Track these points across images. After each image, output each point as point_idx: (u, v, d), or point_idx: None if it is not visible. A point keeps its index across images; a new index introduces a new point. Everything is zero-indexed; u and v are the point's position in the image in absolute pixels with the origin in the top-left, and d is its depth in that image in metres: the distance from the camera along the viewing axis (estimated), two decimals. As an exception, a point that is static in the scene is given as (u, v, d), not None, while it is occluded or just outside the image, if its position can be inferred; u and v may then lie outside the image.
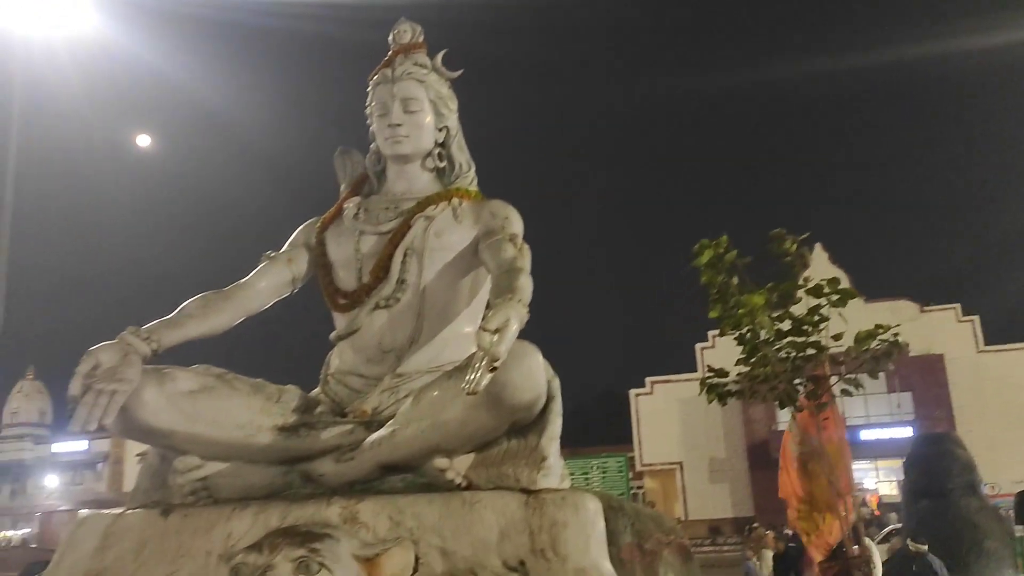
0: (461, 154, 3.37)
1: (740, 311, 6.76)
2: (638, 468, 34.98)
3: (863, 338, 6.76)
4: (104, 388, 2.43)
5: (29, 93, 17.51)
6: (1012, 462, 28.69)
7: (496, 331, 2.23)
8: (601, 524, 2.39)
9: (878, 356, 6.81)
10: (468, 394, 2.22)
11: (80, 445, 46.32)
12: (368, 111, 3.34)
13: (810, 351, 6.91)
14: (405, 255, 3.06)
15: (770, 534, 14.68)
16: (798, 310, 6.95)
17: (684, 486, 36.35)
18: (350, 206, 3.26)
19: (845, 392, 7.19)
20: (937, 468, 11.61)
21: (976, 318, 35.56)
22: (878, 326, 6.83)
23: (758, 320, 6.72)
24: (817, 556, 8.36)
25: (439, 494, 2.51)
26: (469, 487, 2.55)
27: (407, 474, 2.66)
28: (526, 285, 2.60)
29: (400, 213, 3.16)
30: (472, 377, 2.20)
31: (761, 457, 31.72)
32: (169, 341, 2.76)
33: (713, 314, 7.04)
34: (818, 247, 31.55)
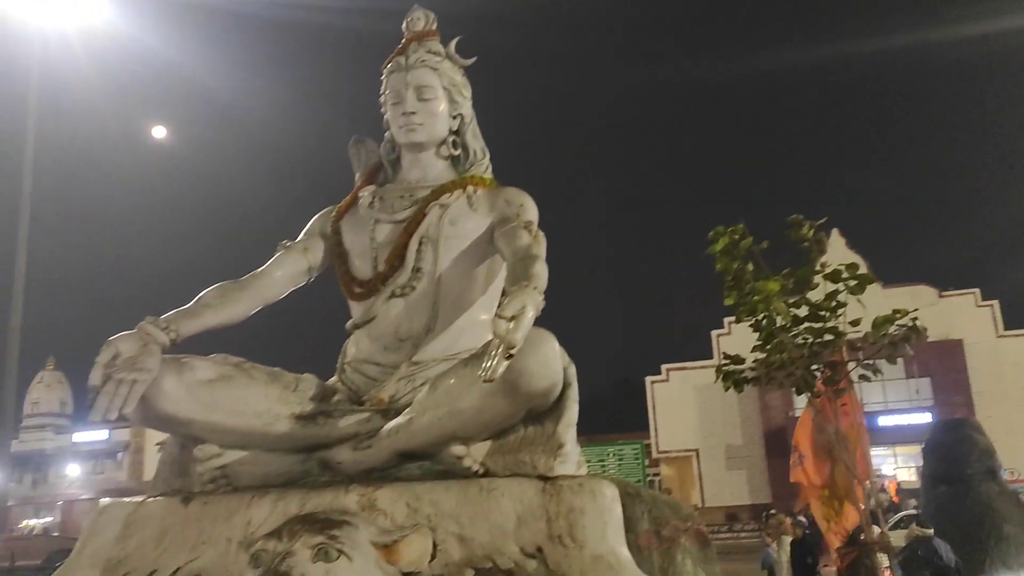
0: (476, 142, 3.36)
1: (755, 297, 6.72)
2: (654, 455, 34.97)
3: (881, 323, 6.71)
4: (124, 377, 2.45)
5: (45, 84, 17.63)
6: (1032, 447, 28.46)
7: (512, 318, 2.23)
8: (618, 510, 2.39)
9: (896, 341, 6.75)
10: (485, 381, 2.22)
11: (100, 434, 46.87)
12: (382, 99, 3.33)
13: (827, 337, 6.86)
14: (420, 243, 3.06)
15: (788, 520, 14.66)
16: (815, 296, 6.91)
17: (700, 473, 36.32)
18: (365, 195, 3.26)
19: (863, 378, 7.15)
20: (956, 454, 11.54)
21: (995, 303, 35.19)
22: (896, 311, 6.77)
23: (774, 306, 6.69)
24: (835, 542, 8.34)
25: (456, 481, 2.52)
26: (486, 474, 2.56)
27: (424, 461, 2.67)
28: (542, 272, 2.60)
29: (415, 201, 3.16)
30: (488, 364, 2.20)
31: (778, 444, 31.61)
32: (187, 331, 2.78)
33: (728, 302, 7.01)
34: (835, 232, 31.31)
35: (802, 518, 15.03)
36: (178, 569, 2.55)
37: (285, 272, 3.21)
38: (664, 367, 38.04)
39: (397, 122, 3.24)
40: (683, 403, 36.15)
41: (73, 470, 47.92)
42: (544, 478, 2.46)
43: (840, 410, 7.43)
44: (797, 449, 8.59)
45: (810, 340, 6.88)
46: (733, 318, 7.87)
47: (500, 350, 2.20)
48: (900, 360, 7.14)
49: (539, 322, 2.36)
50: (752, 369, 7.33)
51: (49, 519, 45.09)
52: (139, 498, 2.83)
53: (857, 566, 9.65)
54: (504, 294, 2.40)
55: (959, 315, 33.82)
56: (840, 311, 6.76)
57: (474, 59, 3.35)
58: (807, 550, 11.50)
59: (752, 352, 7.22)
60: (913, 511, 15.59)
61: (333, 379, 3.11)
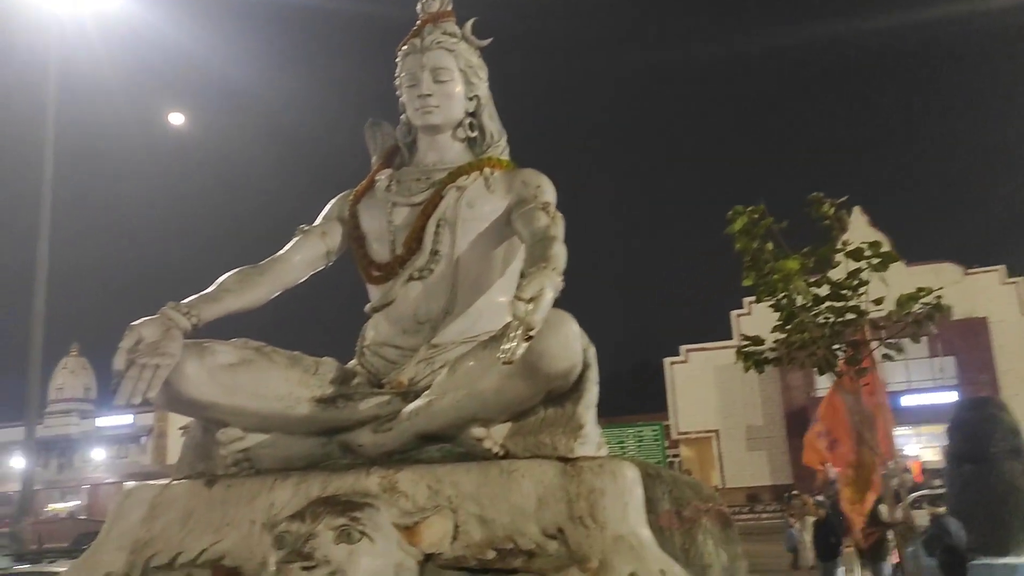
0: (492, 123, 3.34)
1: (775, 277, 6.68)
2: (674, 436, 34.98)
3: (904, 302, 6.65)
4: (147, 362, 2.47)
5: (63, 72, 17.74)
6: (1058, 426, 28.11)
7: (531, 300, 2.22)
8: (639, 491, 2.39)
9: (920, 320, 6.69)
10: (504, 363, 2.22)
11: (125, 419, 47.53)
12: (397, 82, 3.31)
13: (849, 316, 6.81)
14: (438, 226, 3.05)
15: (811, 501, 14.65)
16: (837, 274, 6.85)
17: (721, 454, 36.29)
18: (382, 178, 3.25)
19: (886, 357, 7.10)
20: (980, 432, 11.41)
21: (1021, 279, 34.71)
22: (920, 289, 6.71)
23: (794, 285, 6.64)
24: (859, 523, 8.31)
25: (477, 463, 2.52)
26: (506, 456, 2.56)
27: (444, 444, 2.68)
28: (560, 253, 2.58)
29: (432, 184, 3.15)
30: (508, 346, 2.19)
31: (799, 424, 31.41)
32: (208, 315, 2.79)
33: (747, 282, 6.97)
34: (857, 210, 30.95)
35: (821, 497, 15.00)
36: (203, 551, 2.58)
37: (304, 256, 3.22)
38: (683, 348, 37.97)
39: (413, 104, 3.22)
40: (703, 384, 36.08)
41: (98, 454, 48.68)
42: (564, 459, 2.45)
43: (863, 390, 7.38)
44: (829, 434, 8.37)
45: (832, 319, 6.83)
46: (753, 298, 7.84)
47: (519, 332, 2.20)
48: (924, 339, 7.08)
49: (558, 303, 2.35)
50: (772, 350, 7.29)
51: (75, 503, 45.87)
52: (164, 481, 2.87)
53: (879, 546, 9.64)
54: (522, 276, 2.39)
55: (984, 293, 33.41)
56: (862, 290, 6.70)
57: (490, 40, 3.32)
58: (830, 530, 11.50)
59: (772, 332, 7.18)
60: (927, 491, 15.52)
61: (352, 362, 3.12)
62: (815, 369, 7.24)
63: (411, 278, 3.05)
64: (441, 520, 2.35)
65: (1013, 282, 34.68)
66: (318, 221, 3.32)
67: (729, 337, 34.49)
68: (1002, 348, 33.01)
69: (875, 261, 6.63)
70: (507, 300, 2.34)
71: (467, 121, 3.28)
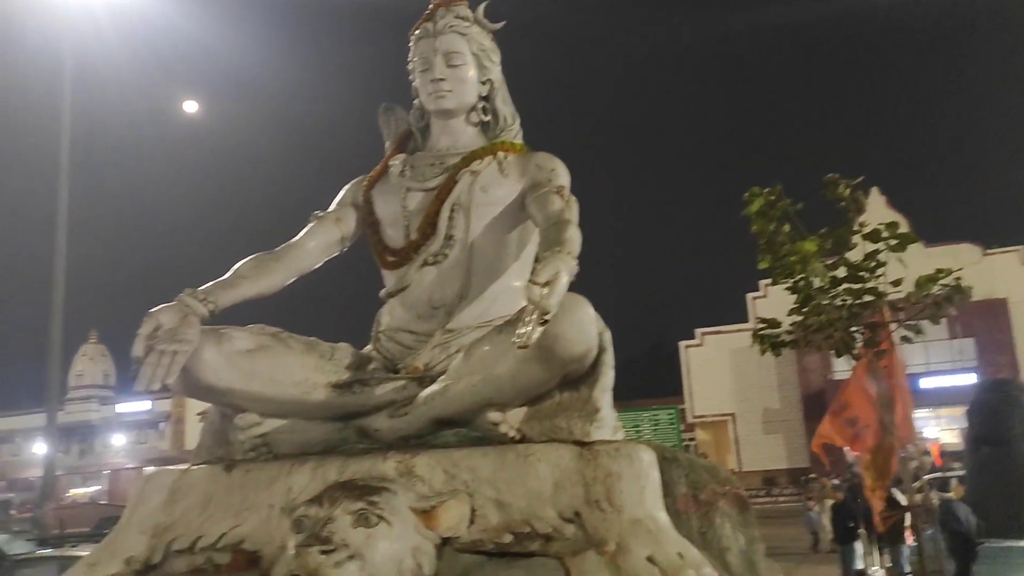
0: (505, 107, 3.32)
1: (792, 259, 6.64)
2: (689, 420, 34.95)
3: (923, 283, 6.60)
4: (166, 349, 2.49)
5: (78, 62, 17.82)
6: (1078, 408, 27.85)
7: (546, 284, 2.21)
8: (656, 475, 2.38)
9: (939, 301, 6.65)
10: (519, 348, 2.22)
11: (143, 405, 48.10)
12: (410, 66, 3.30)
13: (867, 298, 6.77)
14: (452, 211, 3.05)
15: (830, 484, 14.63)
16: (854, 256, 6.80)
17: (737, 437, 36.24)
18: (395, 163, 3.25)
19: (905, 339, 7.05)
20: (999, 415, 11.40)
21: (1042, 260, 34.31)
22: (939, 270, 6.66)
23: (811, 267, 6.60)
24: (879, 506, 8.28)
25: (493, 447, 2.53)
26: (522, 440, 2.57)
27: (460, 428, 2.68)
28: (575, 237, 2.57)
29: (445, 169, 3.14)
30: (523, 331, 2.19)
31: (816, 407, 31.34)
32: (225, 302, 2.81)
33: (763, 265, 6.93)
34: (875, 191, 30.71)
35: (836, 481, 14.98)
36: (223, 535, 2.60)
37: (318, 242, 3.22)
38: (698, 331, 37.84)
39: (426, 89, 3.21)
40: (718, 367, 35.99)
41: (118, 440, 49.32)
42: (581, 443, 2.45)
43: (882, 372, 7.33)
44: (857, 419, 8.22)
45: (849, 301, 6.79)
46: (769, 281, 7.79)
47: (534, 316, 2.19)
48: (943, 320, 7.01)
49: (572, 287, 2.34)
50: (789, 332, 7.26)
51: (96, 488, 46.51)
52: (183, 466, 2.89)
53: (896, 529, 9.62)
54: (537, 260, 2.38)
55: (1004, 273, 33.03)
56: (880, 271, 6.65)
57: (502, 23, 3.29)
58: (848, 513, 11.48)
59: (789, 315, 7.14)
60: (938, 474, 15.45)
61: (368, 348, 3.12)
62: (832, 352, 7.20)
63: (425, 263, 3.05)
64: (458, 504, 2.36)
65: (1033, 262, 34.27)
66: (332, 207, 3.32)
67: (745, 320, 34.34)
68: (1022, 329, 32.69)
69: (893, 242, 6.57)
70: (522, 284, 2.33)
71: (480, 105, 3.26)
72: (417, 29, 3.26)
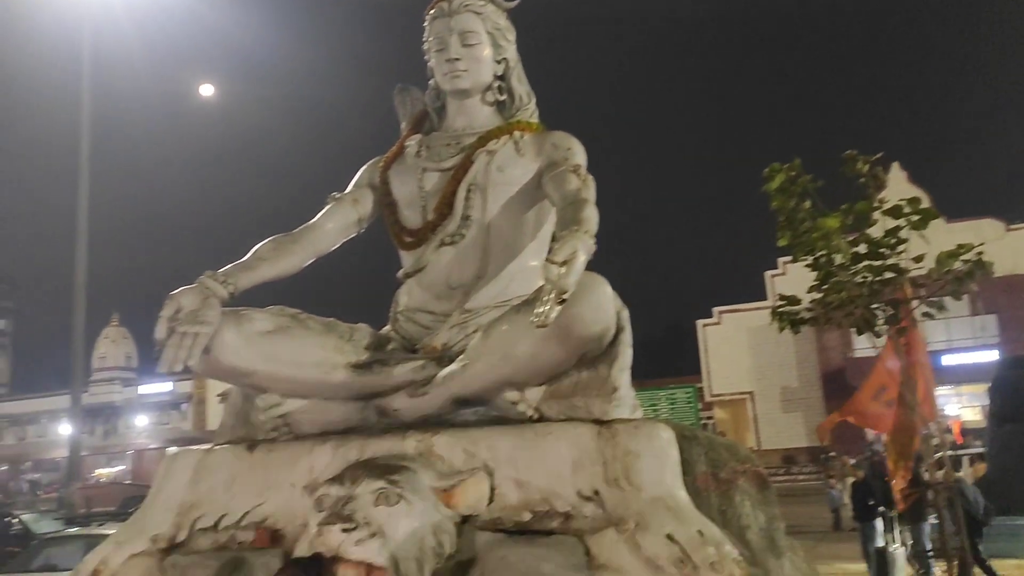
0: (521, 86, 3.30)
1: (814, 235, 6.57)
2: (707, 399, 34.88)
3: (945, 259, 6.52)
4: (187, 330, 2.52)
5: (96, 46, 17.88)
6: (1103, 385, 27.51)
7: (563, 263, 2.21)
8: (675, 453, 2.39)
9: (961, 277, 6.56)
10: (538, 327, 2.22)
11: (165, 387, 48.72)
12: (425, 47, 3.28)
13: (888, 275, 6.70)
14: (468, 191, 3.04)
15: (850, 462, 14.58)
16: (875, 232, 6.73)
17: (756, 416, 36.15)
18: (412, 144, 3.24)
19: (927, 316, 6.98)
20: (1022, 392, 11.30)
21: (1065, 236, 33.78)
22: (961, 246, 6.57)
23: (835, 243, 6.53)
24: (901, 484, 8.24)
25: (512, 426, 2.54)
26: (541, 419, 2.58)
27: (479, 407, 2.69)
28: (592, 216, 2.56)
29: (461, 149, 3.13)
30: (541, 310, 2.19)
31: (836, 385, 31.20)
32: (244, 284, 2.82)
33: (782, 242, 6.87)
34: (896, 166, 30.28)
35: (852, 460, 14.92)
36: (246, 513, 2.65)
37: (336, 224, 3.23)
38: (716, 310, 37.66)
39: (441, 69, 3.20)
40: (736, 346, 35.82)
41: (141, 421, 50.00)
42: (599, 422, 2.46)
43: (904, 349, 7.27)
44: (894, 403, 8.04)
45: (870, 278, 6.72)
46: (788, 258, 7.72)
47: (552, 295, 2.19)
48: (965, 296, 6.94)
49: (590, 266, 2.33)
50: (809, 310, 7.20)
51: (120, 467, 47.24)
52: (207, 446, 2.93)
53: (918, 506, 9.58)
54: (554, 239, 2.37)
55: (1026, 249, 32.56)
56: (902, 247, 6.58)
57: (517, 1, 3.27)
58: (868, 491, 11.45)
59: (809, 292, 7.09)
60: (950, 451, 15.35)
61: (386, 328, 3.14)
62: (853, 329, 7.14)
63: (443, 243, 3.05)
64: (477, 483, 2.37)
65: (1058, 238, 33.75)
66: (349, 188, 3.33)
67: (763, 298, 34.10)
68: (1046, 305, 32.26)
69: (915, 218, 6.50)
70: (539, 264, 2.33)
71: (496, 84, 3.24)
72: (432, 9, 3.24)
